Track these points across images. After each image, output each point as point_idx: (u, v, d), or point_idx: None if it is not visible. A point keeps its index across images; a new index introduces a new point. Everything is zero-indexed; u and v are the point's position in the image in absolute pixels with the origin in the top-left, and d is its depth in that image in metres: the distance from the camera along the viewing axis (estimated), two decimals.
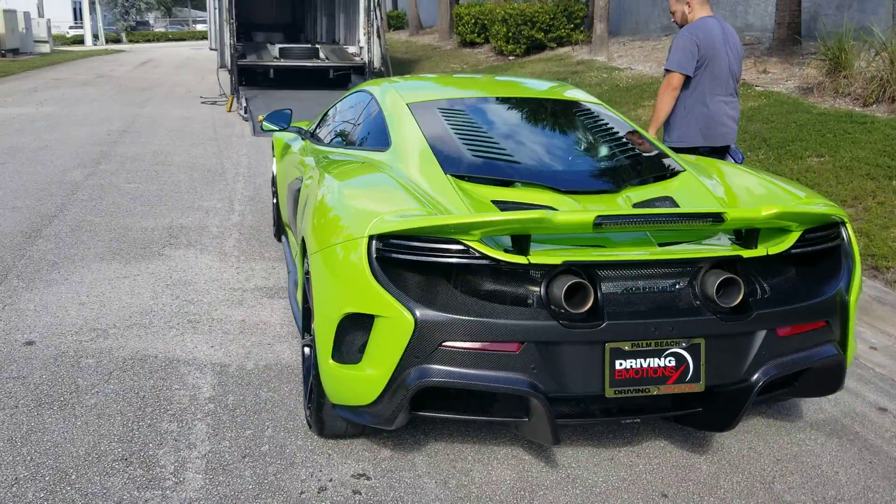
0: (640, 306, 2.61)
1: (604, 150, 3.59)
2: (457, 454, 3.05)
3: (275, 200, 5.70)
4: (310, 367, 3.07)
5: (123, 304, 4.50)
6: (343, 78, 15.78)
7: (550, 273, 2.55)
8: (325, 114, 4.97)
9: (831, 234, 2.90)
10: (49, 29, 37.13)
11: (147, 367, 3.71)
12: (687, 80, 4.58)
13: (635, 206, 3.06)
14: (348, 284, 2.63)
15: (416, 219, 2.58)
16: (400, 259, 2.58)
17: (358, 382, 2.66)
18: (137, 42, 53.69)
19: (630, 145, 3.63)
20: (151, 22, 73.77)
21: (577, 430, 3.23)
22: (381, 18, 15.80)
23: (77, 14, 63.45)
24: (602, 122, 3.81)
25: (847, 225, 2.97)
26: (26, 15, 34.01)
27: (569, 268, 2.54)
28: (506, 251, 2.57)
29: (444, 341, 2.51)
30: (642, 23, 18.19)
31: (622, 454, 3.08)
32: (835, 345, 2.85)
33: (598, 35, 15.70)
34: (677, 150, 4.40)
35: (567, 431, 3.20)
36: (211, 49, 24.34)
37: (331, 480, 2.85)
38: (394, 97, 3.91)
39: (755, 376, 2.67)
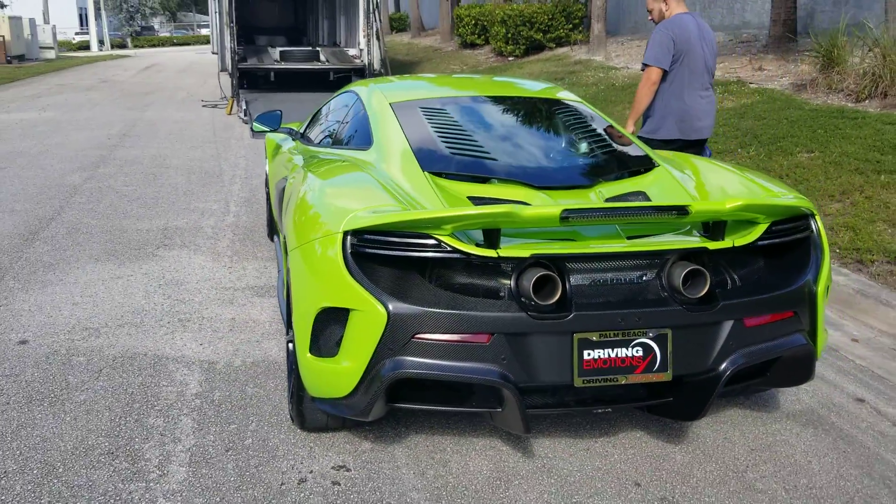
0: (608, 298, 2.67)
1: (580, 148, 3.65)
2: (436, 446, 3.11)
3: (269, 201, 5.77)
4: (293, 361, 3.14)
5: (116, 303, 4.58)
6: (344, 80, 15.84)
7: (520, 266, 2.62)
8: (315, 114, 5.05)
9: (800, 226, 2.95)
10: (54, 35, 37.36)
11: (136, 365, 3.78)
12: (664, 75, 4.71)
13: (607, 200, 3.11)
14: (324, 279, 2.70)
15: (389, 214, 2.65)
16: (374, 254, 2.64)
17: (335, 375, 2.73)
18: (143, 47, 53.92)
19: (607, 142, 3.69)
20: (156, 27, 74.05)
21: (554, 421, 3.29)
22: (380, 21, 15.88)
23: (83, 20, 63.81)
24: (581, 120, 3.87)
25: (816, 217, 3.02)
26: (31, 21, 34.24)
27: (537, 261, 2.60)
28: (477, 245, 2.63)
29: (417, 333, 2.57)
30: (641, 22, 18.22)
31: (598, 444, 3.14)
32: (804, 335, 2.90)
33: (596, 35, 15.76)
34: (654, 143, 4.50)
35: (545, 423, 3.27)
36: (213, 53, 24.48)
37: (311, 472, 2.92)
38: (378, 97, 3.98)
39: (723, 366, 2.73)
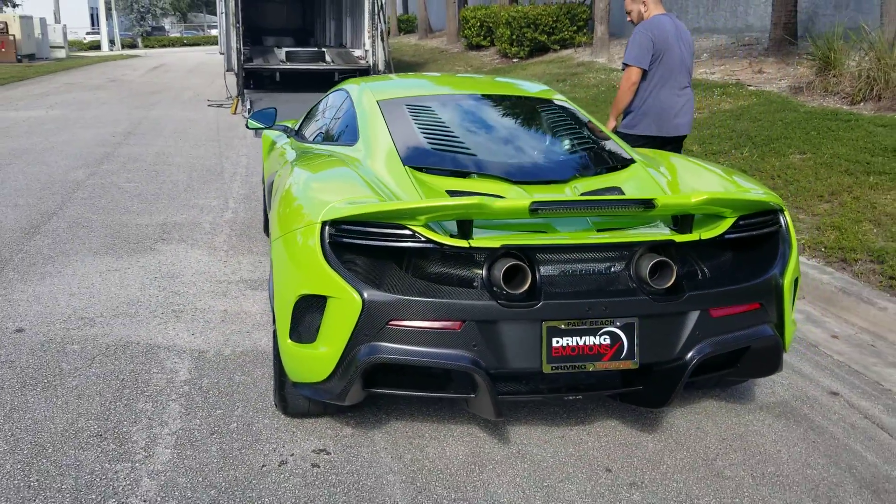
0: (577, 287, 2.76)
1: (559, 144, 3.74)
2: (415, 432, 3.20)
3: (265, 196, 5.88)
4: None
5: (112, 294, 4.69)
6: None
7: (492, 256, 2.71)
8: (309, 112, 5.15)
9: (767, 220, 3.03)
10: (65, 34, 37.66)
11: (129, 353, 3.89)
12: (644, 74, 4.87)
13: (582, 195, 3.20)
14: (303, 267, 2.80)
15: (365, 205, 2.75)
16: (351, 243, 2.74)
17: (313, 360, 2.83)
18: (153, 47, 54.25)
19: (586, 140, 3.78)
20: (167, 27, 74.46)
21: (532, 410, 3.38)
22: (385, 22, 15.99)
23: (94, 20, 64.25)
24: (563, 118, 3.97)
25: (784, 212, 3.10)
26: (42, 21, 34.54)
27: (508, 251, 2.69)
28: (451, 236, 2.72)
29: (391, 320, 2.67)
30: None
31: (573, 432, 3.23)
32: (771, 326, 2.98)
33: (599, 37, 15.84)
34: (632, 137, 4.65)
35: (523, 412, 3.36)
36: (220, 53, 24.64)
37: (292, 455, 3.02)
38: (366, 95, 4.08)
39: (689, 354, 2.81)
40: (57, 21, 43.47)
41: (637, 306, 2.74)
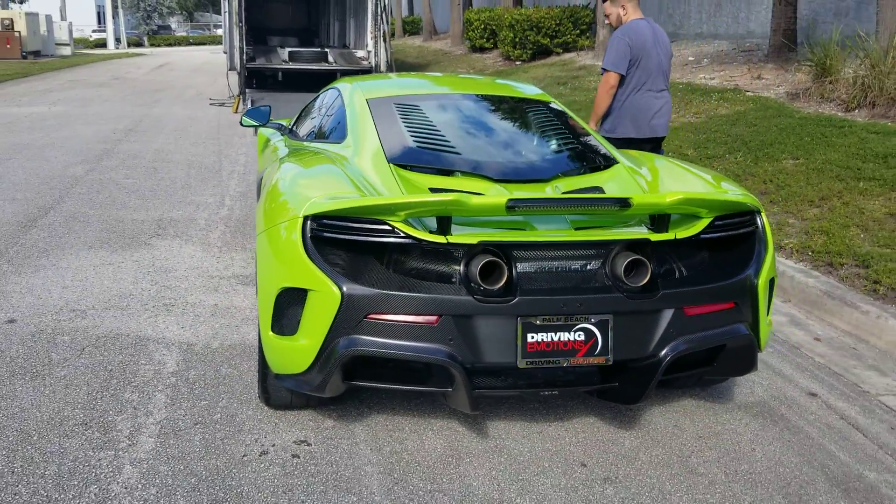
0: (553, 284, 2.81)
1: (544, 144, 3.79)
2: (395, 425, 3.25)
3: None
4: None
5: (104, 288, 4.75)
6: None
7: (469, 252, 2.76)
8: (303, 110, 5.21)
9: (744, 221, 3.08)
10: (70, 32, 37.78)
11: (118, 345, 3.94)
12: (622, 78, 4.96)
13: (563, 194, 3.25)
14: (285, 261, 2.85)
15: (346, 200, 2.80)
16: (332, 238, 2.79)
17: (293, 352, 2.88)
18: (159, 46, 54.38)
19: (571, 140, 3.84)
20: (173, 26, 74.63)
21: (512, 406, 3.43)
22: (388, 24, 16.06)
23: (100, 18, 64.44)
24: (549, 118, 4.02)
25: (762, 213, 3.14)
26: (48, 18, 34.68)
27: (485, 248, 2.74)
28: (430, 232, 2.77)
29: (369, 314, 2.72)
30: None
31: (552, 428, 3.28)
32: (746, 326, 3.02)
33: (601, 41, 15.89)
34: (614, 143, 4.75)
35: (503, 408, 3.40)
36: (224, 52, 24.72)
37: (273, 445, 3.07)
38: (356, 94, 4.14)
39: (663, 352, 2.86)
40: (63, 18, 43.65)
41: (611, 303, 2.79)
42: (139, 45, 54.40)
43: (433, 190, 3.20)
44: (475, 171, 3.37)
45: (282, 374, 3.03)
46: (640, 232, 2.93)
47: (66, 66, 27.38)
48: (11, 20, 30.50)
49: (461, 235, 2.75)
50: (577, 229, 2.93)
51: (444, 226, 2.74)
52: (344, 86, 4.49)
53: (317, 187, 3.14)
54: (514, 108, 4.15)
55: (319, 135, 4.37)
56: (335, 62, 16.53)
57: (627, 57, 4.88)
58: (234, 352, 3.90)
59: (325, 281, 2.73)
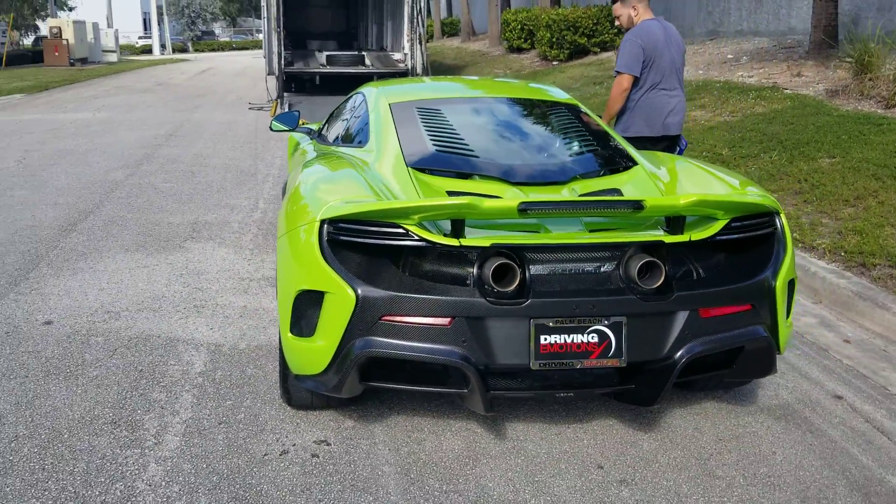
0: (567, 286, 2.82)
1: (563, 146, 3.80)
2: (414, 426, 3.29)
3: None
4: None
5: (139, 290, 4.87)
6: None
7: (482, 255, 2.79)
8: (331, 114, 5.29)
9: (761, 223, 3.05)
10: (117, 39, 38.66)
11: (149, 346, 4.05)
12: (636, 79, 4.98)
13: (580, 196, 3.26)
14: (303, 264, 2.91)
15: (362, 204, 2.85)
16: (348, 241, 2.84)
17: (311, 353, 2.94)
18: (203, 51, 55.34)
19: (590, 142, 3.84)
20: (217, 31, 75.86)
21: (532, 407, 3.44)
22: (423, 26, 16.14)
23: (146, 25, 65.73)
24: (570, 120, 4.02)
25: (781, 215, 3.12)
26: (95, 25, 35.53)
27: (498, 250, 2.77)
28: (445, 235, 2.81)
29: (384, 315, 2.77)
30: (688, 27, 18.13)
31: (570, 430, 3.29)
32: (763, 327, 3.00)
33: None
34: (626, 140, 4.79)
35: (522, 409, 3.42)
36: (263, 57, 25.07)
37: (294, 445, 3.13)
38: (380, 98, 4.19)
39: (678, 354, 2.85)
40: (109, 26, 44.61)
41: (625, 305, 2.79)
42: (184, 50, 55.42)
43: (450, 193, 3.24)
44: (493, 175, 3.40)
45: (301, 375, 3.09)
46: (655, 234, 2.93)
47: (111, 73, 28.00)
48: (59, 29, 31.31)
49: (474, 238, 2.78)
50: (591, 231, 2.94)
51: (457, 229, 2.78)
52: (369, 90, 4.55)
53: (335, 192, 3.20)
54: (536, 112, 4.17)
55: (345, 139, 4.43)
56: (372, 65, 16.67)
57: (640, 59, 4.89)
58: (260, 353, 3.98)
59: (341, 283, 2.78)
